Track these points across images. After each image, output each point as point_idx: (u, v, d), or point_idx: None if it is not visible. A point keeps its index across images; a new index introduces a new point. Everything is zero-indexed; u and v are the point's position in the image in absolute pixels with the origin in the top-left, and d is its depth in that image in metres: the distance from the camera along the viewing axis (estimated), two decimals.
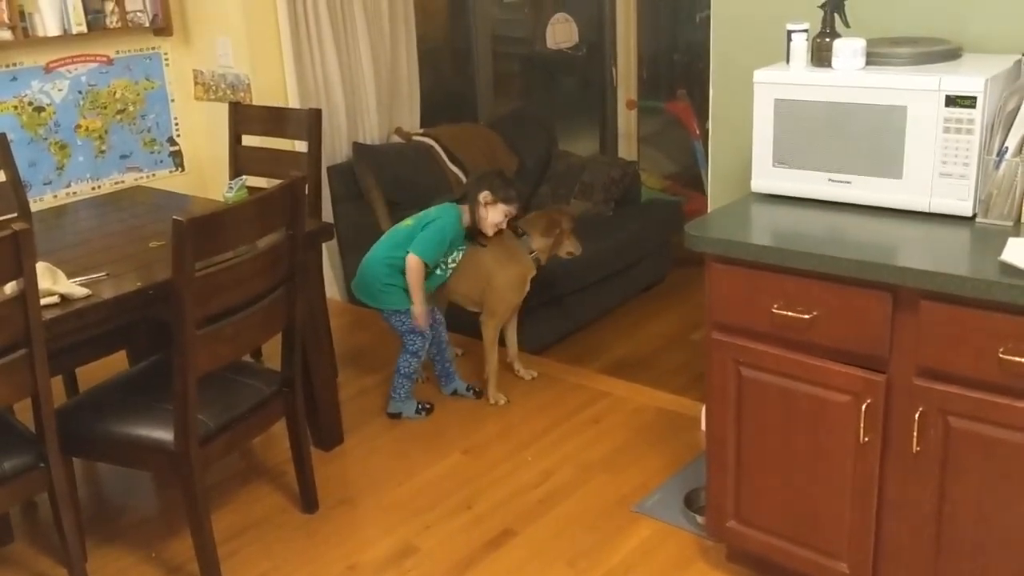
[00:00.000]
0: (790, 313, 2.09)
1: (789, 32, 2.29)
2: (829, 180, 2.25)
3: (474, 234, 3.31)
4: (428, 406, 3.42)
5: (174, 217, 2.18)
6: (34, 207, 3.63)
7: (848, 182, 2.23)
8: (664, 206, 4.88)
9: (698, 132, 5.13)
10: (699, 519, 2.67)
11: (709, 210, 2.85)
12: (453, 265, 3.32)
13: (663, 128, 5.82)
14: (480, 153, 4.60)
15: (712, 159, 2.87)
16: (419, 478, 3.00)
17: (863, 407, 2.05)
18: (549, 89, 6.23)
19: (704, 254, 2.22)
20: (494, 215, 3.23)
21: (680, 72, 5.96)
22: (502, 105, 5.53)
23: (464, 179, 4.49)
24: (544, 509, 2.80)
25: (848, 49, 2.19)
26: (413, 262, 3.16)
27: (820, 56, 2.26)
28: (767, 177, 2.35)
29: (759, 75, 2.30)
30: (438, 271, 3.31)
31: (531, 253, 3.43)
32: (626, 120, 5.70)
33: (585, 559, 2.58)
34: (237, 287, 2.39)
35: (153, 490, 3.03)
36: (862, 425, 2.06)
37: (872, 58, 2.21)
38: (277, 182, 2.52)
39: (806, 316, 2.08)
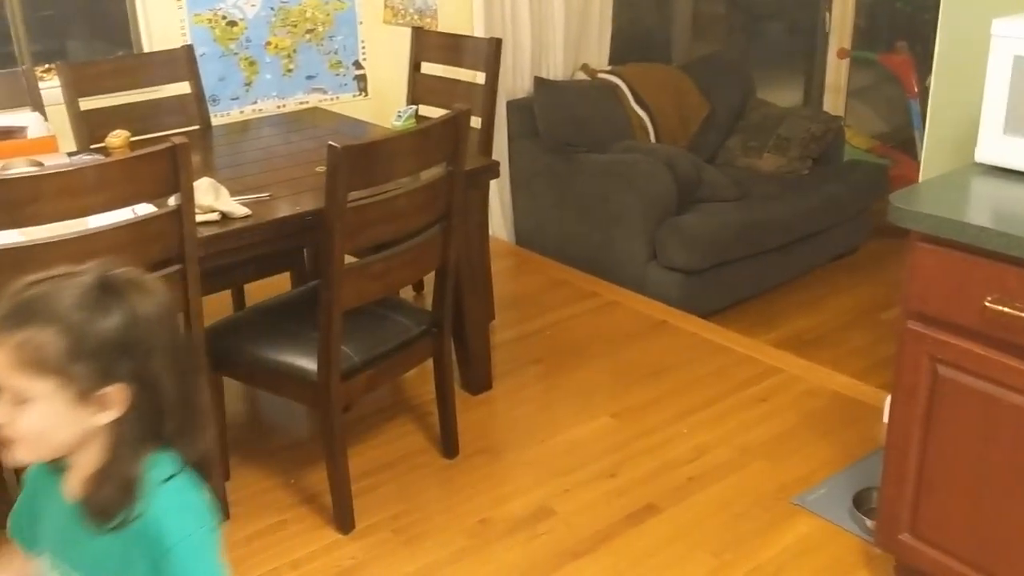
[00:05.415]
0: (1007, 309, 1.77)
1: None
2: None
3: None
4: None
5: (329, 143, 2.09)
6: (221, 121, 3.69)
7: None
8: (867, 169, 4.44)
9: (916, 90, 4.63)
10: (868, 523, 2.39)
11: (921, 179, 2.50)
12: None
13: (876, 83, 5.32)
14: (668, 96, 4.32)
15: (930, 121, 2.50)
16: (564, 437, 2.85)
17: None
18: (754, 33, 5.82)
19: (909, 230, 1.91)
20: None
21: (902, 22, 5.42)
22: (699, 48, 5.19)
23: (649, 123, 4.24)
24: (694, 489, 2.59)
25: None
26: None
27: None
28: (996, 147, 1.99)
29: (999, 26, 1.93)
30: None
31: None
32: (835, 71, 5.23)
33: (732, 550, 2.36)
34: (390, 222, 2.29)
35: (305, 416, 3.04)
36: None
37: None
38: None
39: None
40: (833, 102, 5.23)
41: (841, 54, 5.13)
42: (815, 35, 5.29)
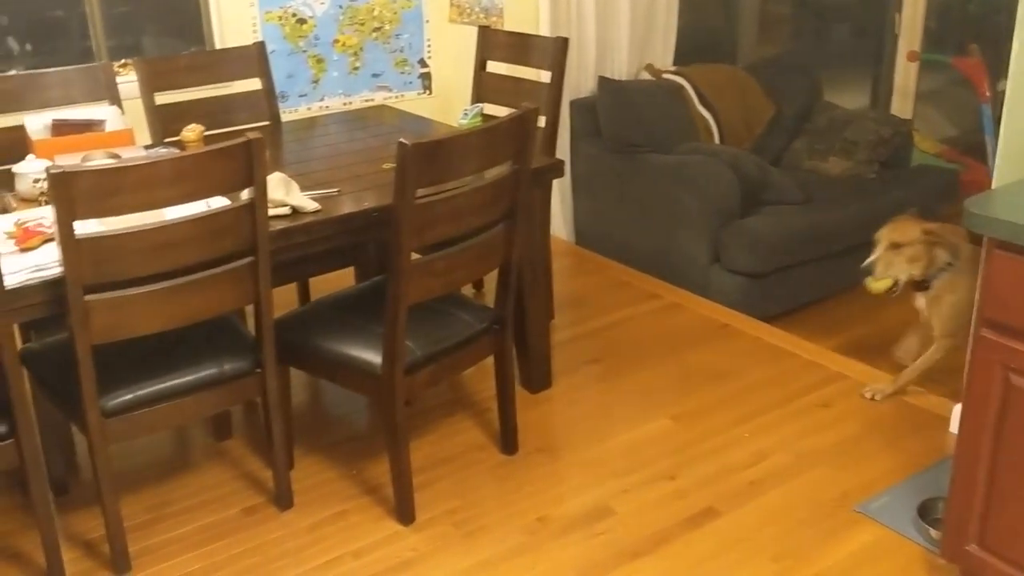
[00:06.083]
0: None
1: None
2: None
3: None
4: None
5: (400, 140, 2.12)
6: (289, 117, 3.75)
7: None
8: (937, 173, 4.35)
9: (988, 94, 4.53)
10: (933, 533, 2.36)
11: (995, 184, 2.45)
12: None
13: (945, 86, 5.21)
14: (733, 98, 4.29)
15: (1005, 126, 2.45)
16: (623, 438, 2.85)
17: None
18: (821, 34, 5.74)
19: (984, 237, 1.88)
20: None
21: (974, 25, 5.30)
22: (765, 49, 5.15)
23: (714, 125, 4.22)
24: (754, 493, 2.58)
25: None
26: None
27: None
28: None
29: None
30: None
31: None
32: (904, 74, 5.13)
33: (793, 556, 2.34)
34: (456, 219, 2.31)
35: (367, 409, 3.08)
36: None
37: None
38: None
39: None
40: (901, 105, 5.14)
41: (911, 57, 5.03)
42: (883, 37, 5.20)
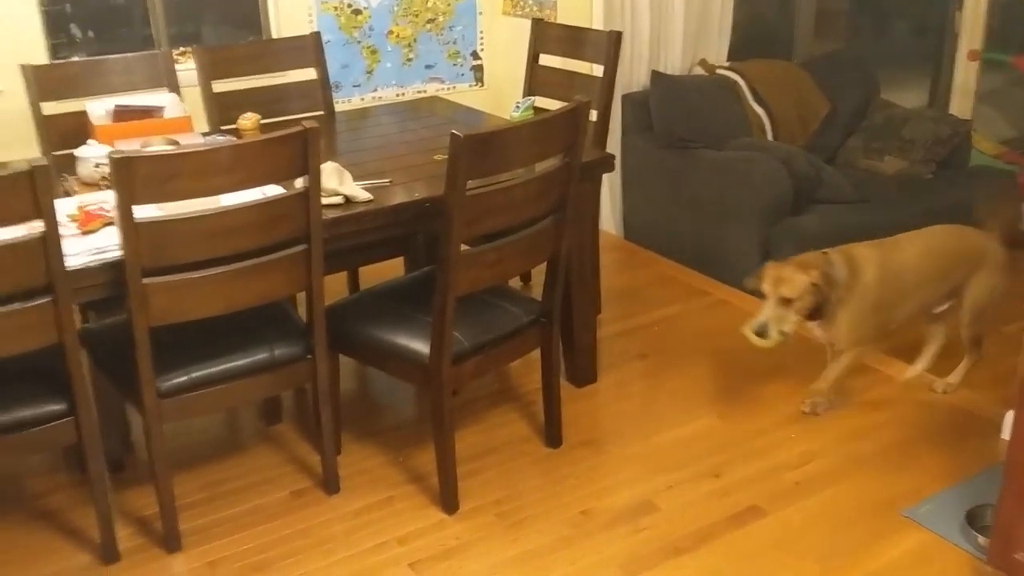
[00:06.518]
0: None
1: None
2: None
3: None
4: None
5: (452, 131, 2.13)
6: (342, 107, 3.79)
7: None
8: (995, 175, 4.27)
9: None
10: (981, 540, 2.32)
11: None
12: None
13: (1007, 86, 5.10)
14: (788, 94, 4.25)
15: None
16: (668, 434, 2.85)
17: None
18: (879, 31, 5.65)
19: None
20: None
21: None
22: (822, 45, 5.08)
23: (767, 121, 4.18)
24: (800, 494, 2.56)
25: None
26: None
27: None
28: None
29: None
30: None
31: None
32: (964, 73, 5.03)
33: (838, 559, 2.32)
34: (506, 211, 2.32)
35: (414, 397, 3.11)
36: None
37: None
38: None
39: None
40: (960, 105, 5.05)
41: (972, 56, 4.93)
42: (944, 35, 5.11)
